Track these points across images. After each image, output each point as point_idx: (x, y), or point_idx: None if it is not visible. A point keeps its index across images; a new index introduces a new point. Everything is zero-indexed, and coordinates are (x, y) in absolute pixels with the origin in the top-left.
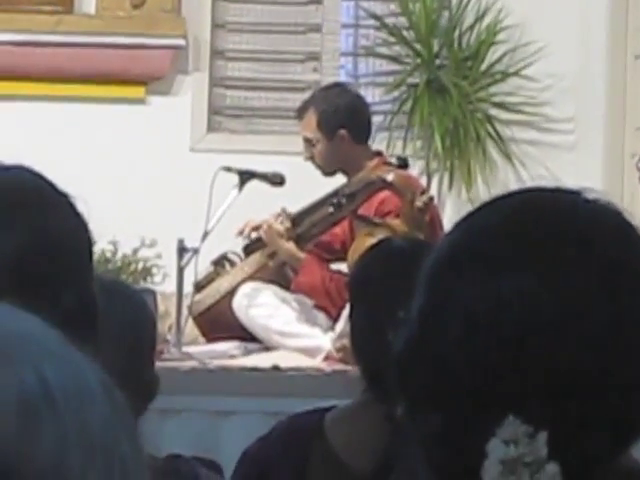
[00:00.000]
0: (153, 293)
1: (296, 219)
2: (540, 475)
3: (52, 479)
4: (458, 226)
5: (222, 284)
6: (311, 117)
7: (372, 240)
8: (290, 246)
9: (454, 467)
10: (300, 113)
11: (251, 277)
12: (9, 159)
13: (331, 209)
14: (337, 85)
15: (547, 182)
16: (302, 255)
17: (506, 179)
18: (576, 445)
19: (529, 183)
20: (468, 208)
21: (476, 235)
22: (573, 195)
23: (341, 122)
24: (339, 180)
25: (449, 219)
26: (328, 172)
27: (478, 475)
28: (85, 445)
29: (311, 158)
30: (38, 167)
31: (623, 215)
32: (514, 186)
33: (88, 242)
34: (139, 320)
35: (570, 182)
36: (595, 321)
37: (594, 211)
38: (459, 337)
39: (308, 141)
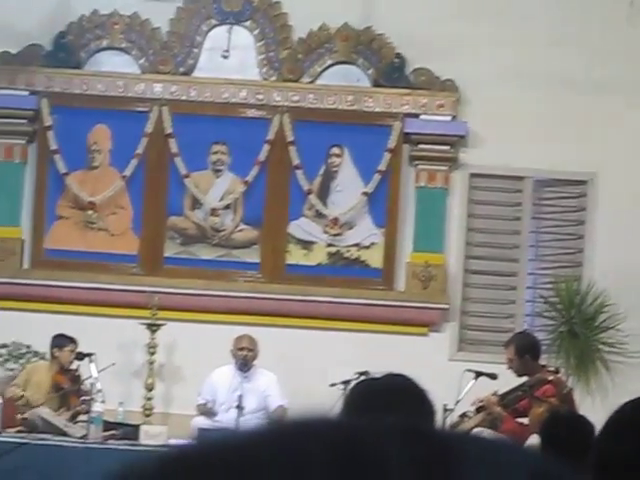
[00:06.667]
0: None
1: (501, 396)
2: None
3: None
4: (624, 407)
5: (466, 425)
6: (512, 348)
7: (540, 409)
8: (499, 409)
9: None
10: (506, 345)
11: (477, 425)
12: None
13: (520, 392)
14: (525, 332)
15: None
16: (504, 414)
17: (605, 383)
18: None
19: (617, 387)
20: (587, 395)
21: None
22: None
23: (526, 351)
24: (519, 379)
25: (578, 398)
26: (520, 375)
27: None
28: None
29: (510, 367)
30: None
31: None
32: (609, 386)
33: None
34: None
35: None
36: None
37: None
38: None
39: (510, 360)
